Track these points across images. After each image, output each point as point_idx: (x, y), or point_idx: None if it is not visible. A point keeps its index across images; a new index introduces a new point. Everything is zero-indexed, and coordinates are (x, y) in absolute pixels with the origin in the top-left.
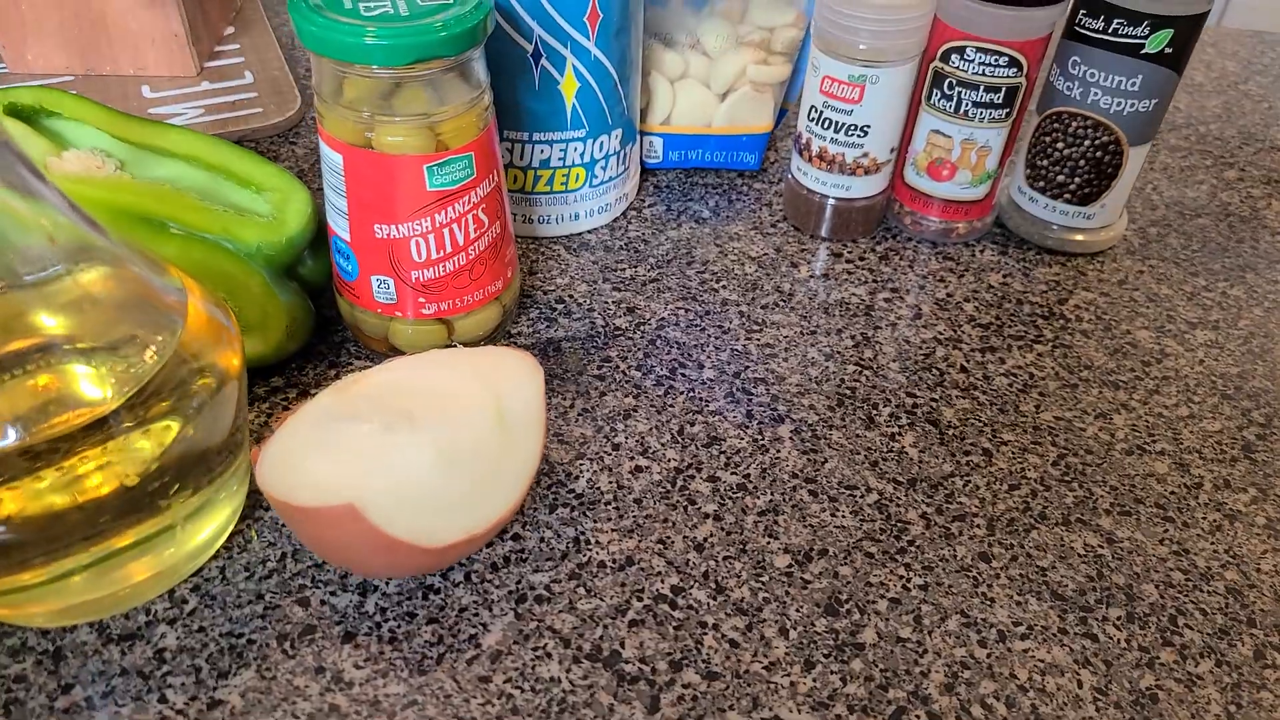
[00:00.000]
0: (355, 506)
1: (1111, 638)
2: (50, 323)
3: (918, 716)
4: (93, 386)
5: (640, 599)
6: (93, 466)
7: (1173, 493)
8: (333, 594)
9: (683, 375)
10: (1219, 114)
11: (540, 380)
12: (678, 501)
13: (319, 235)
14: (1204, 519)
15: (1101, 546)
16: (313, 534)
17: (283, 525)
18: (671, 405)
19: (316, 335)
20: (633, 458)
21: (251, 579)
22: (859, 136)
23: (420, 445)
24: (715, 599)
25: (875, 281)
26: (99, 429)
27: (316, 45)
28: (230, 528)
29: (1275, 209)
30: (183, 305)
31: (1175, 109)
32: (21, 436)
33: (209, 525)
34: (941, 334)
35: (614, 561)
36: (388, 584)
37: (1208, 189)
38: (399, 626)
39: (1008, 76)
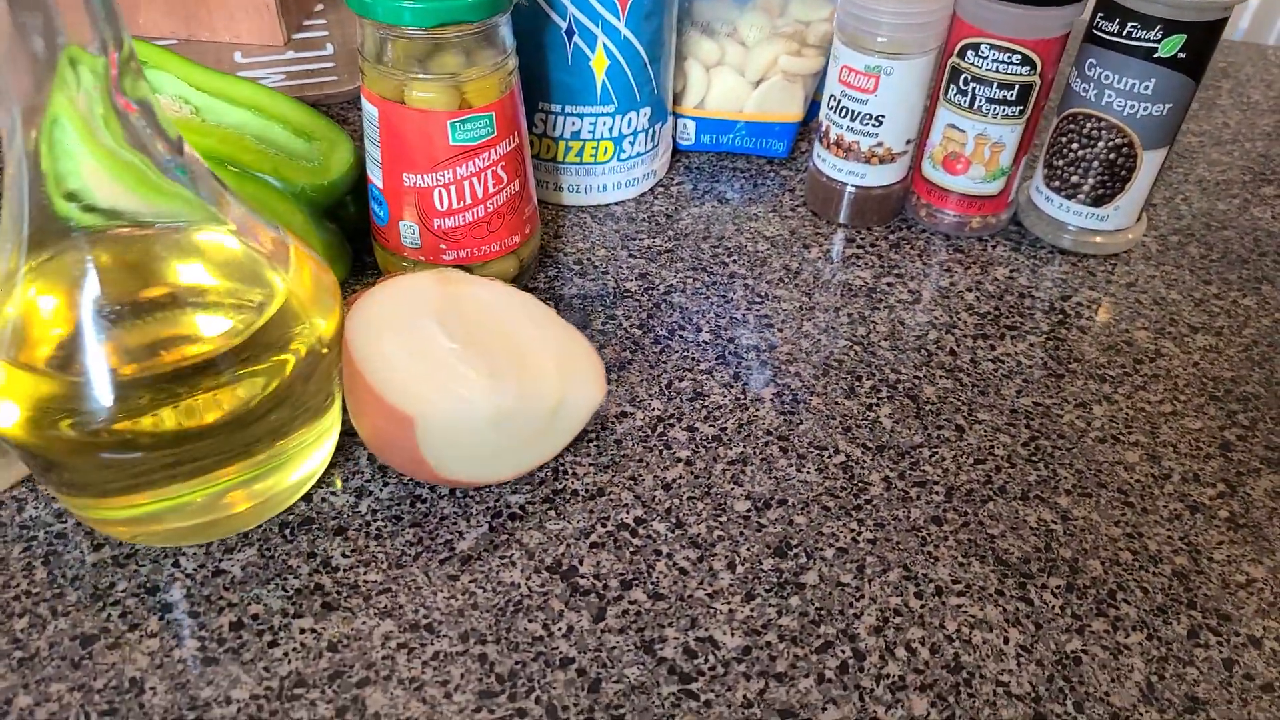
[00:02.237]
0: (414, 422)
1: (1046, 603)
2: (178, 270)
3: (843, 650)
4: (209, 329)
5: (604, 525)
6: (205, 403)
7: (1138, 481)
8: (332, 494)
9: (680, 337)
10: (1269, 132)
11: (601, 399)
12: (655, 445)
13: (361, 184)
14: (1165, 507)
15: (1055, 522)
16: (372, 420)
17: None
18: (665, 362)
19: (354, 277)
20: (620, 405)
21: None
22: (874, 126)
23: (485, 397)
24: (673, 532)
25: (882, 267)
26: (211, 370)
27: (359, 7)
28: (323, 467)
29: None
30: (288, 262)
31: (1225, 125)
32: (143, 371)
33: (304, 463)
34: (937, 319)
35: (586, 490)
36: (381, 489)
37: (1240, 203)
38: (385, 527)
39: (1021, 74)
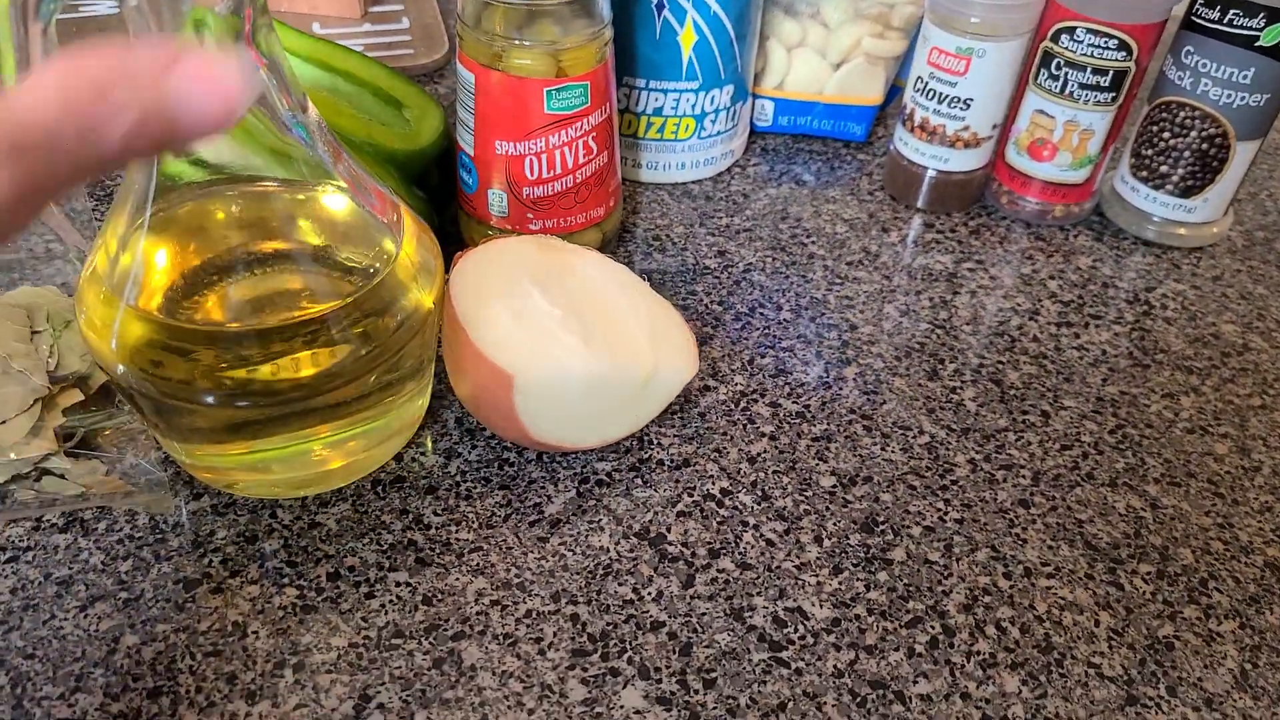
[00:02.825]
0: (514, 381)
1: (1137, 589)
2: (292, 227)
3: (932, 626)
4: (319, 287)
5: (691, 495)
6: (305, 360)
7: (1228, 472)
8: (422, 454)
9: (760, 314)
10: None
11: (692, 374)
12: (738, 419)
13: (449, 154)
14: (1255, 499)
15: (1144, 510)
16: (461, 366)
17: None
18: (746, 339)
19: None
20: (703, 379)
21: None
22: (961, 109)
23: (582, 363)
24: (760, 504)
25: (962, 253)
26: (318, 329)
27: None
28: (412, 433)
29: None
30: (400, 227)
31: None
32: (250, 325)
33: (396, 427)
34: (1020, 305)
35: (672, 461)
36: (470, 452)
37: None
38: (474, 488)
39: (1116, 60)
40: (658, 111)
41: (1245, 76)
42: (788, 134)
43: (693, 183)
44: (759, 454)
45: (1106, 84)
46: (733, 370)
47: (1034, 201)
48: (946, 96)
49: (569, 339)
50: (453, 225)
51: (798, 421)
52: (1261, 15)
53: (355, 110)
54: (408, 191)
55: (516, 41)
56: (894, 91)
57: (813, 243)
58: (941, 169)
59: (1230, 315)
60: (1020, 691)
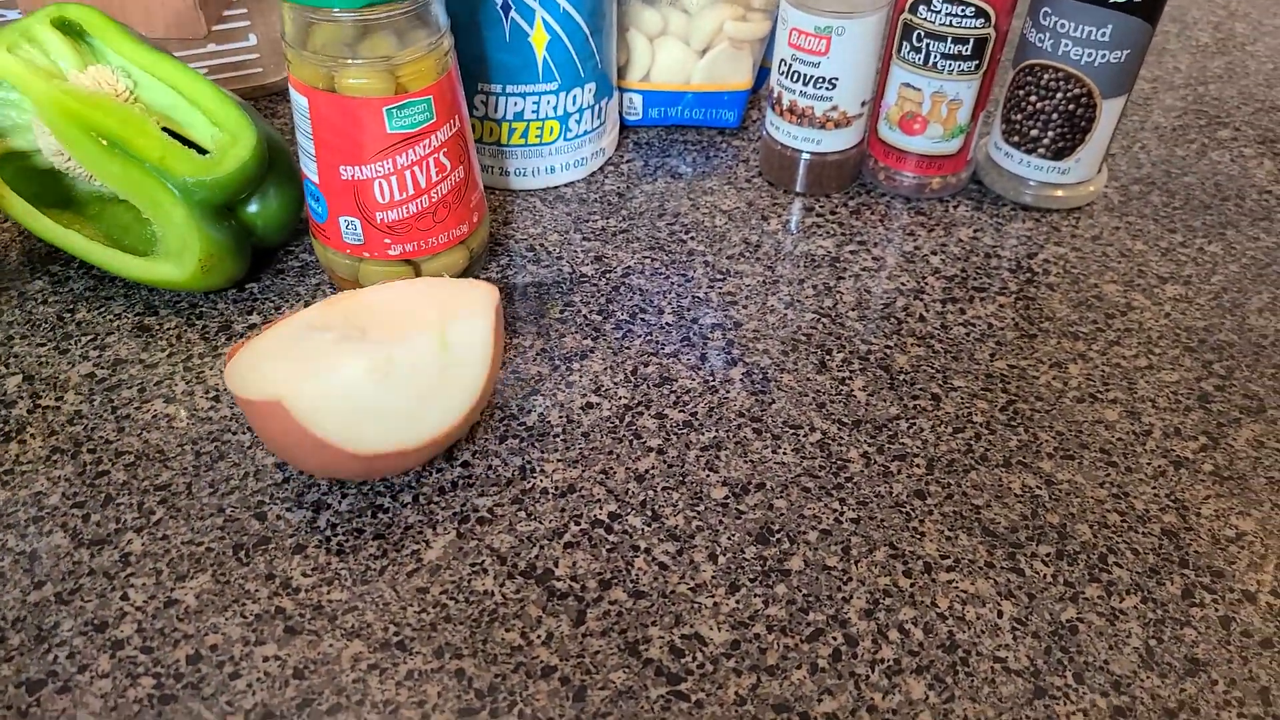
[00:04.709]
0: (282, 403)
1: (1038, 573)
2: None
3: (834, 638)
4: None
5: (578, 523)
6: None
7: (1120, 439)
8: (288, 510)
9: (642, 320)
10: (1220, 74)
11: (491, 312)
12: (624, 436)
13: (281, 182)
14: (1148, 464)
15: (1039, 488)
16: (257, 426)
17: (247, 446)
18: (628, 348)
19: (295, 278)
20: (584, 395)
21: (215, 494)
22: (827, 89)
23: (359, 356)
24: (650, 525)
25: (844, 235)
26: None
27: None
28: None
29: (1267, 169)
30: None
31: (1175, 69)
32: None
33: None
34: (904, 285)
35: (556, 489)
36: (340, 502)
37: (1198, 148)
38: (347, 541)
39: (975, 28)
40: (519, 116)
41: (1104, 34)
42: (660, 126)
43: (565, 186)
44: (647, 471)
45: (968, 52)
46: (615, 384)
47: (911, 176)
48: (811, 78)
49: (342, 346)
50: (309, 254)
51: (685, 431)
52: None
53: (162, 133)
54: (209, 222)
55: (348, 61)
56: (763, 74)
57: (692, 239)
58: (815, 151)
59: (1112, 275)
60: (927, 697)
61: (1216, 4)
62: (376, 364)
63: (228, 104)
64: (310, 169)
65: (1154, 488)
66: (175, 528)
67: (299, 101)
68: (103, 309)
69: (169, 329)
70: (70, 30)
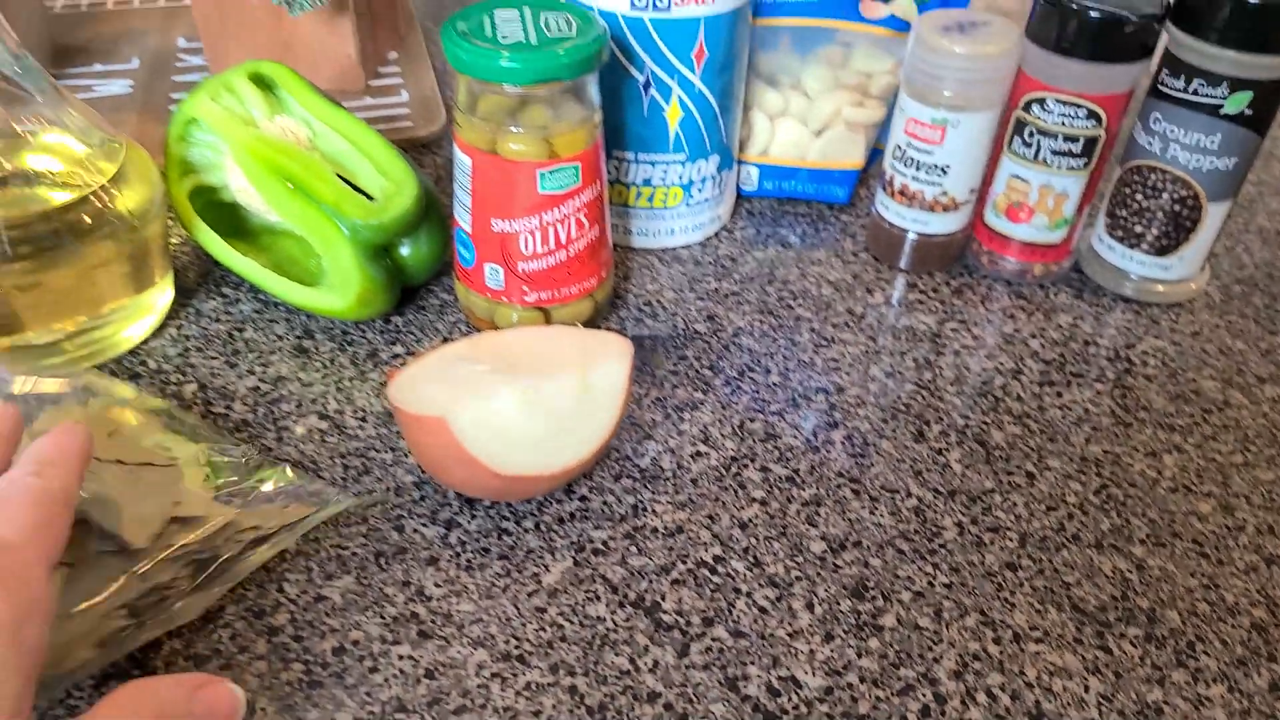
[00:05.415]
0: (445, 420)
1: (1126, 653)
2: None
3: (924, 694)
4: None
5: (684, 562)
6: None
7: (1213, 531)
8: (424, 525)
9: (750, 378)
10: None
11: (628, 363)
12: (730, 485)
13: (432, 228)
14: (1240, 559)
15: (1130, 571)
16: (414, 438)
17: (390, 464)
18: (736, 403)
19: (434, 314)
20: (694, 444)
21: (359, 506)
22: (939, 175)
23: (512, 387)
24: (751, 571)
25: (945, 312)
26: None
27: (459, 65)
28: (148, 334)
29: None
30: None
31: None
32: None
33: (128, 327)
34: (1003, 365)
35: (665, 528)
36: (470, 522)
37: None
38: (474, 558)
39: (1086, 128)
40: (647, 182)
41: (1212, 142)
42: (773, 197)
43: (682, 248)
44: (750, 520)
45: (1078, 150)
46: (724, 435)
47: (1013, 261)
48: (924, 164)
49: (495, 376)
50: (449, 293)
51: (788, 486)
52: (1224, 84)
53: (336, 178)
54: (369, 261)
55: (511, 128)
56: (875, 154)
57: (799, 305)
58: (922, 232)
59: (1210, 371)
60: None
61: None
62: (527, 395)
63: (394, 156)
64: (464, 219)
65: (1245, 582)
66: (325, 531)
67: (462, 160)
68: (267, 330)
69: (324, 352)
70: (263, 83)
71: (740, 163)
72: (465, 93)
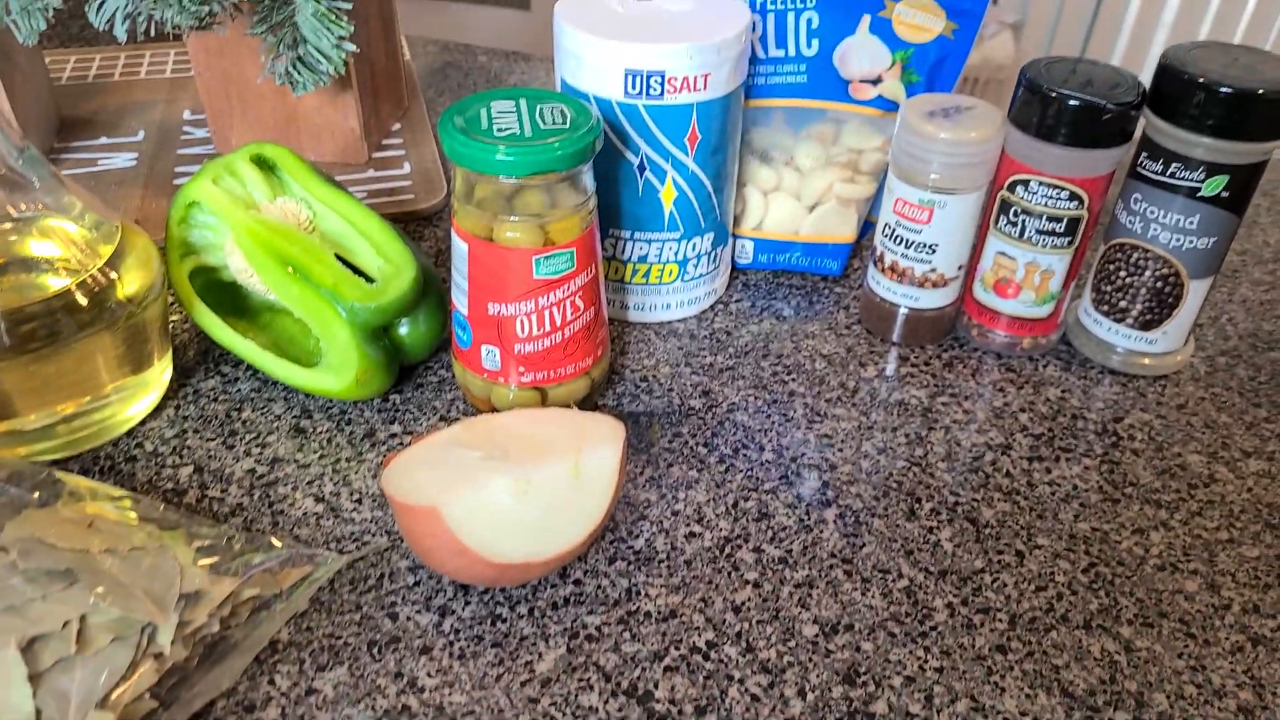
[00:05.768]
0: (438, 510)
1: None
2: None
3: None
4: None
5: (678, 648)
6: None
7: (1199, 611)
8: (417, 612)
9: (744, 455)
10: None
11: (620, 447)
12: (723, 567)
13: (431, 307)
14: (1226, 639)
15: (1118, 653)
16: (408, 526)
17: (385, 549)
18: (730, 481)
19: (432, 392)
20: (688, 524)
21: (354, 592)
22: (927, 254)
23: (503, 474)
24: (744, 656)
25: (937, 386)
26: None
27: (456, 158)
28: (146, 413)
29: None
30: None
31: (1265, 244)
32: None
33: (130, 406)
34: (993, 440)
35: (659, 612)
36: (464, 608)
37: None
38: (468, 646)
39: (1069, 209)
40: (642, 259)
41: (1191, 223)
42: (768, 270)
43: (678, 321)
44: (743, 603)
45: (1062, 230)
46: (717, 515)
47: (1002, 335)
48: (913, 242)
49: (488, 464)
50: (446, 370)
51: (780, 567)
52: (1201, 168)
53: (336, 260)
54: (367, 341)
55: (507, 217)
56: (867, 226)
57: (793, 380)
58: (913, 307)
59: (1196, 445)
60: None
61: None
62: (518, 483)
63: (393, 237)
64: (461, 302)
65: (1231, 662)
66: (318, 620)
67: (459, 246)
68: (265, 410)
69: (321, 432)
70: (265, 165)
71: (735, 237)
72: (462, 182)
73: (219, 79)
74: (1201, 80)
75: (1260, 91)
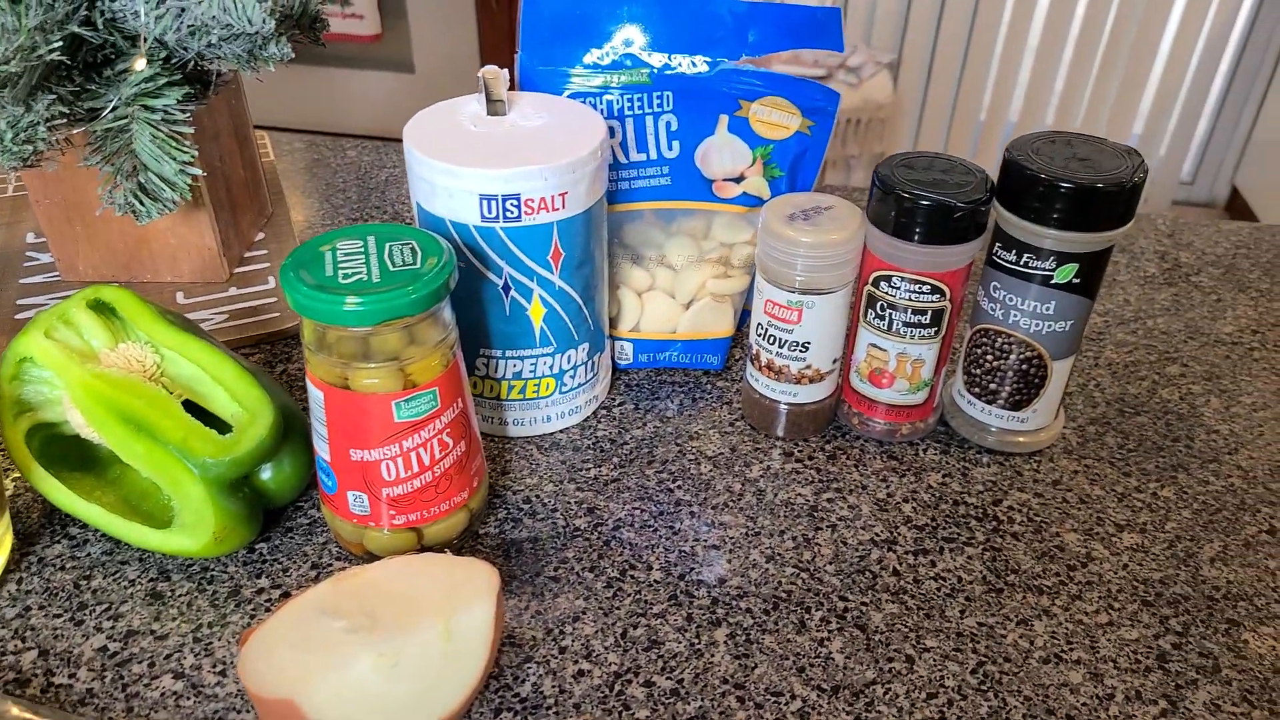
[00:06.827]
0: (294, 702)
1: None
2: None
3: None
4: None
5: None
6: None
7: (1084, 704)
8: None
9: (631, 577)
10: (1167, 307)
11: (493, 598)
12: (613, 707)
13: (295, 448)
14: None
15: None
16: (265, 717)
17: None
18: (618, 608)
19: (303, 536)
20: (576, 661)
21: None
22: (801, 351)
23: (369, 648)
24: None
25: (821, 481)
26: None
27: (301, 310)
28: None
29: (1213, 406)
30: None
31: (1125, 302)
32: None
33: None
34: (878, 535)
35: None
36: None
37: (1149, 385)
38: None
39: (933, 301)
40: (517, 375)
41: (1048, 308)
42: (649, 368)
43: (559, 432)
44: None
45: (928, 321)
46: (606, 648)
47: (881, 422)
48: (786, 341)
49: (354, 637)
50: (316, 510)
51: (672, 701)
52: (1052, 258)
53: (178, 411)
54: (223, 495)
55: (361, 364)
56: (745, 315)
57: (679, 488)
58: (792, 403)
59: (1072, 523)
60: None
61: (1161, 233)
62: (386, 656)
63: (248, 381)
64: (322, 449)
65: None
66: None
67: (315, 394)
68: (118, 575)
69: (180, 595)
70: (104, 309)
71: (613, 338)
72: (311, 331)
73: (59, 206)
74: (1044, 176)
75: (1099, 186)
